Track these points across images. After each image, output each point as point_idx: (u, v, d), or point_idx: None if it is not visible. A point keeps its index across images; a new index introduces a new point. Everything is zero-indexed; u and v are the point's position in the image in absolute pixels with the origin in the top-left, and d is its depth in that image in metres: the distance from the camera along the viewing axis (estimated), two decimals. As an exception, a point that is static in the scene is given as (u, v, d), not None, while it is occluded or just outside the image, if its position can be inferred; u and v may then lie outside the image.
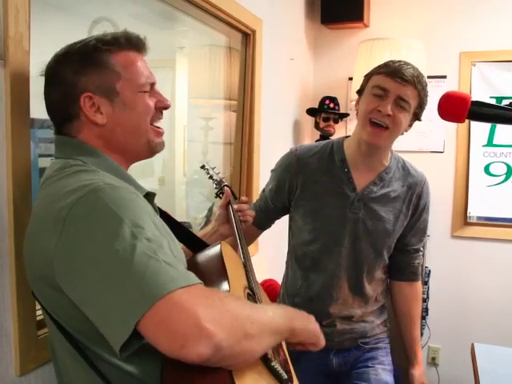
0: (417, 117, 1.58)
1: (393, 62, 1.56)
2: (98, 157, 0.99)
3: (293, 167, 1.68)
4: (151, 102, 1.04)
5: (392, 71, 1.51)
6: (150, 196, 1.02)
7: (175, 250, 0.96)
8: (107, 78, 0.99)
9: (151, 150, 1.07)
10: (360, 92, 1.62)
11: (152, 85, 1.06)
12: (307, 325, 1.07)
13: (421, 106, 1.56)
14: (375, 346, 1.71)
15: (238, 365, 0.84)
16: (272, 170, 1.78)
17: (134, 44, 1.04)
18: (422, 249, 1.76)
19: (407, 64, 1.54)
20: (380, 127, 1.51)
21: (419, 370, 1.77)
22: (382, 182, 1.63)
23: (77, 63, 0.98)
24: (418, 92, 1.52)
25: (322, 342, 1.11)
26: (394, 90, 1.50)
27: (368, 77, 1.59)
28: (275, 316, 0.94)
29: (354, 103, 1.68)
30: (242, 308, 0.86)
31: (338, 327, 1.65)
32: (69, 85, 0.98)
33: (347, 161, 1.63)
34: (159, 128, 1.08)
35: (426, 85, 1.55)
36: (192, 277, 0.82)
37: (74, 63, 0.98)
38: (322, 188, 1.64)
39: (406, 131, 1.60)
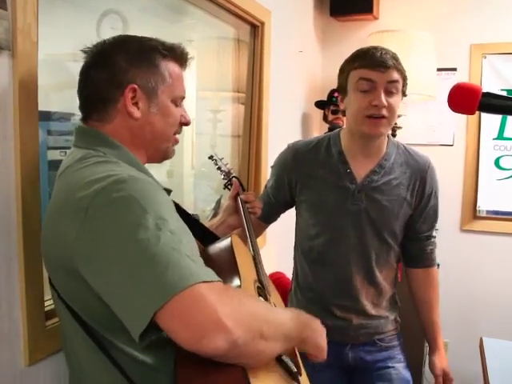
0: (404, 93, 1.57)
1: (363, 51, 1.53)
2: (119, 149, 1.00)
3: (289, 163, 1.68)
4: (178, 115, 1.08)
5: (371, 63, 1.49)
6: (166, 192, 1.03)
7: (192, 244, 0.97)
8: (154, 78, 1.03)
9: (165, 155, 1.11)
10: (340, 90, 1.59)
11: (182, 99, 1.10)
12: (317, 338, 1.08)
13: (404, 81, 1.55)
14: (390, 344, 1.71)
15: (250, 365, 0.85)
16: (271, 166, 1.78)
17: (184, 59, 1.09)
18: (434, 235, 1.73)
19: (377, 49, 1.51)
20: (378, 118, 1.50)
21: (440, 357, 1.74)
22: (383, 169, 1.61)
23: (132, 54, 1.01)
24: (401, 71, 1.52)
25: (324, 356, 1.11)
26: (381, 79, 1.48)
27: (345, 74, 1.55)
28: (291, 323, 0.96)
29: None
30: (259, 309, 0.88)
31: (354, 322, 1.65)
32: (119, 70, 1.00)
33: (344, 152, 1.62)
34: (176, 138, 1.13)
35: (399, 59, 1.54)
36: (212, 273, 0.83)
37: (129, 53, 1.01)
38: (321, 182, 1.63)
39: None
